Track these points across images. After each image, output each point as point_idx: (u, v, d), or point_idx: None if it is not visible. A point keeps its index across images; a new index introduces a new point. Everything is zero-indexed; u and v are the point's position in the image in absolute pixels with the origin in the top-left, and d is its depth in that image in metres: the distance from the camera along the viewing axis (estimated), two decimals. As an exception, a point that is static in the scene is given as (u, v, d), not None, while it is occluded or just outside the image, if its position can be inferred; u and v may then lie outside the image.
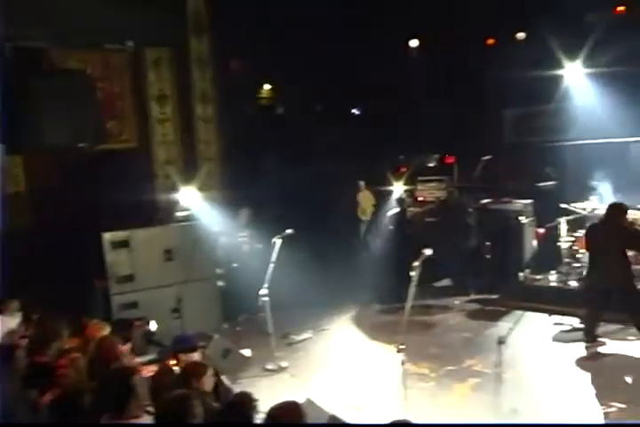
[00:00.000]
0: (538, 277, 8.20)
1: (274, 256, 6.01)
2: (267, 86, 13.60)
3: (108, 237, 6.62)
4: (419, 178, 10.18)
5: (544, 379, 5.42)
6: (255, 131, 11.19)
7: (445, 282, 9.04)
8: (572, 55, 10.01)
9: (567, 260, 7.98)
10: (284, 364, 6.06)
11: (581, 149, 9.86)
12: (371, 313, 7.95)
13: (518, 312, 7.54)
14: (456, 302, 8.21)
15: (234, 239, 8.10)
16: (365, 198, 11.49)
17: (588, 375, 5.44)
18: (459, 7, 10.88)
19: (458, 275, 8.84)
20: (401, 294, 8.20)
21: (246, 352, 6.43)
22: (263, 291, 5.99)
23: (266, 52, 11.24)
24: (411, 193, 10.00)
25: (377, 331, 7.11)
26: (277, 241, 6.08)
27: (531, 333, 6.75)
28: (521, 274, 8.20)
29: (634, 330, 6.45)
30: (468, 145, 10.93)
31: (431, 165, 11.69)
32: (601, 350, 6.05)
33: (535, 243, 8.65)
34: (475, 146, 10.92)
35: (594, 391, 5.06)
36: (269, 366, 6.03)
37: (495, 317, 7.43)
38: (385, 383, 5.14)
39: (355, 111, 12.00)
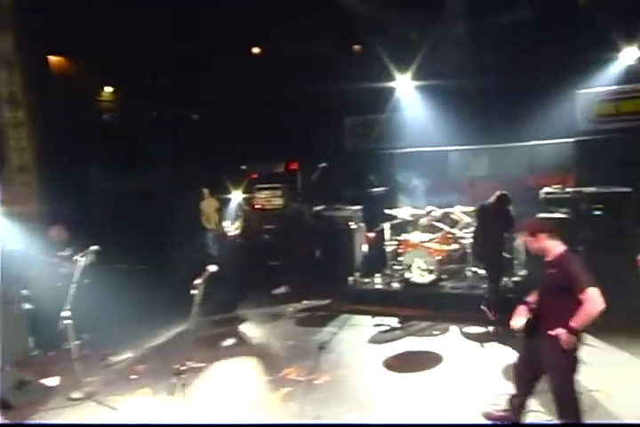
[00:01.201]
0: (366, 280, 8.57)
1: (76, 276, 5.54)
2: (108, 89, 12.81)
3: None
4: (257, 186, 10.16)
5: (355, 383, 5.60)
6: (86, 136, 10.45)
7: (282, 289, 9.11)
8: (402, 68, 10.67)
9: (391, 262, 8.45)
10: (91, 390, 5.62)
11: (409, 157, 10.57)
12: (201, 326, 7.69)
13: (345, 316, 7.81)
14: (289, 309, 8.30)
15: (53, 257, 7.39)
16: (210, 206, 11.25)
17: (397, 375, 5.73)
18: (300, 19, 11.09)
19: (294, 281, 8.96)
20: (237, 304, 8.21)
21: (51, 381, 5.92)
22: (65, 313, 5.49)
23: (99, 52, 10.56)
24: (249, 201, 9.97)
25: (201, 344, 6.89)
26: (80, 259, 5.63)
27: (352, 336, 7.01)
28: (350, 278, 8.52)
29: (442, 326, 7.04)
30: (313, 152, 11.17)
31: (278, 171, 11.79)
32: (410, 348, 6.44)
33: (366, 247, 9.07)
34: (319, 153, 11.20)
35: (403, 391, 5.32)
36: (75, 395, 5.55)
37: (323, 322, 7.60)
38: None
39: (194, 116, 11.69)
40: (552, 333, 3.77)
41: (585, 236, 7.43)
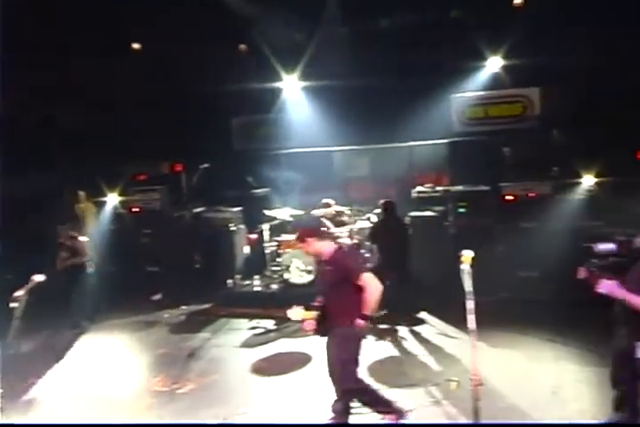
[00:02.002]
0: (246, 282, 8.44)
1: None
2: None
3: None
4: (134, 188, 9.65)
5: (221, 389, 5.45)
6: None
7: (160, 295, 8.73)
8: (289, 69, 10.61)
9: (270, 264, 8.38)
10: None
11: (295, 157, 10.58)
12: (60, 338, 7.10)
13: (223, 320, 7.63)
14: (165, 316, 7.97)
15: None
16: (87, 210, 10.55)
17: (265, 379, 5.64)
18: (185, 16, 10.67)
19: (172, 287, 8.62)
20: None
21: None
22: None
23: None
24: (126, 204, 9.45)
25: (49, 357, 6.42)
26: None
27: (226, 341, 6.85)
28: (230, 281, 8.35)
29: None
30: (201, 152, 10.82)
31: (165, 172, 11.31)
32: (283, 349, 6.40)
33: (247, 249, 8.94)
34: (206, 153, 10.86)
35: (268, 394, 5.25)
36: None
37: (199, 327, 7.36)
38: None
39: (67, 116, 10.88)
40: (354, 324, 3.95)
41: (451, 232, 7.84)
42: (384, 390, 5.11)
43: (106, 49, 10.80)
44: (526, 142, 9.10)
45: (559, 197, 7.40)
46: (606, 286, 3.70)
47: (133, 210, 9.37)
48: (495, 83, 9.85)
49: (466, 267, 3.44)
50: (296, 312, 4.15)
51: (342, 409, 4.17)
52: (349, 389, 4.11)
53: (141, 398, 5.30)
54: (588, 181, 7.35)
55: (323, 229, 4.51)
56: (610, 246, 3.85)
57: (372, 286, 4.00)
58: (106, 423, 4.73)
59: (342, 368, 4.14)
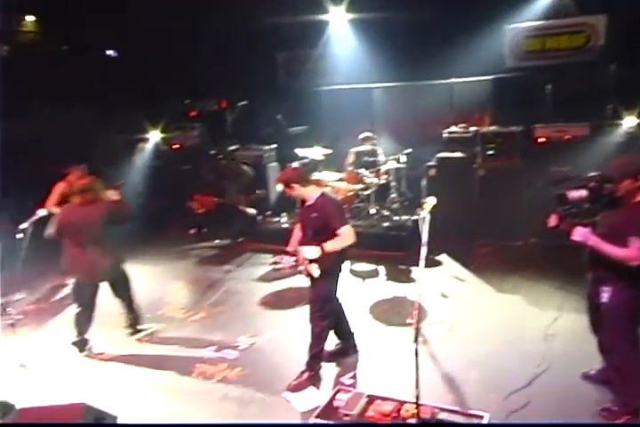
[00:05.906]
0: (275, 219, 8.68)
1: None
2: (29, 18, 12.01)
3: None
4: (175, 125, 9.92)
5: (226, 319, 5.84)
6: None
7: (196, 229, 9.14)
8: (336, 0, 10.13)
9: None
10: None
11: (336, 94, 10.36)
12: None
13: (248, 255, 8.02)
14: (197, 249, 8.43)
15: None
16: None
17: (268, 312, 6.00)
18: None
19: (208, 222, 8.95)
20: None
21: None
22: None
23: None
24: (167, 140, 9.78)
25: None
26: None
27: (246, 274, 7.25)
28: (259, 217, 8.62)
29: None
30: (246, 88, 10.80)
31: (214, 109, 11.48)
32: (295, 284, 6.61)
33: (279, 187, 9.09)
34: (252, 89, 10.81)
35: (265, 325, 5.56)
36: None
37: (224, 261, 7.77)
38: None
39: (111, 53, 11.12)
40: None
41: (479, 174, 7.56)
42: (379, 327, 5.37)
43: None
44: (579, 78, 8.33)
45: (597, 140, 6.81)
46: (580, 234, 3.58)
47: (174, 147, 9.72)
48: (556, 11, 8.92)
49: (425, 214, 3.37)
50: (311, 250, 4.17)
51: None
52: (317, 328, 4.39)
53: (154, 322, 5.78)
54: (629, 122, 6.68)
55: (308, 174, 4.65)
56: (582, 193, 3.63)
57: (347, 236, 4.19)
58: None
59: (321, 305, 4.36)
